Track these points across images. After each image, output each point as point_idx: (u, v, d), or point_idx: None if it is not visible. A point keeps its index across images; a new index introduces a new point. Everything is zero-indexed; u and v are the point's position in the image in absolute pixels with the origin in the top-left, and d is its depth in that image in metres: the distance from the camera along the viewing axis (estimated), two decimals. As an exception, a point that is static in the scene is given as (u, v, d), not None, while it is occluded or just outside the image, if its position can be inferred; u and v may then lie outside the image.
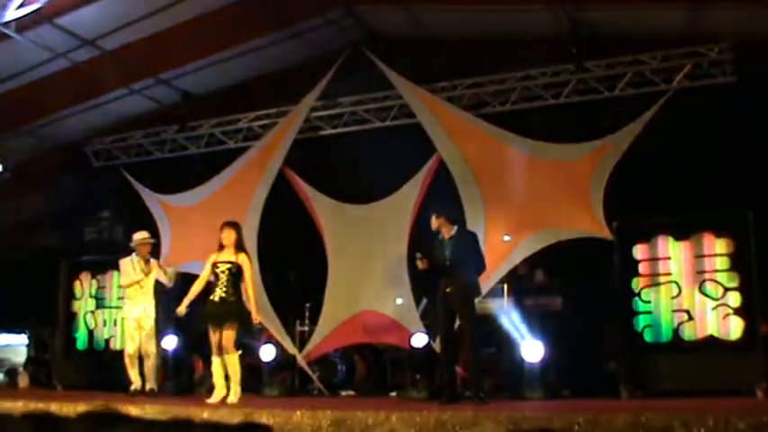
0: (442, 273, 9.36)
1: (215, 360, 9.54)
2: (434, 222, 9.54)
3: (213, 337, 9.53)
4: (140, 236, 11.39)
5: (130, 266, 11.31)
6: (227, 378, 9.52)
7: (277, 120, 13.97)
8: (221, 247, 9.75)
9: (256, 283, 12.34)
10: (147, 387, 10.97)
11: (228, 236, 9.72)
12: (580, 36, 11.91)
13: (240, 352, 9.71)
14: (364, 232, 12.89)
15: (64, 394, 12.15)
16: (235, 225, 9.91)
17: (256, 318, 9.71)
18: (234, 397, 9.28)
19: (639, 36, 11.80)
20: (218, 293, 9.54)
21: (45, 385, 14.27)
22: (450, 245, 9.36)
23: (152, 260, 11.46)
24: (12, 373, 15.66)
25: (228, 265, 9.59)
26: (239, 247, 9.77)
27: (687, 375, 10.07)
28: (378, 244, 12.71)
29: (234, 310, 9.54)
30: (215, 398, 9.37)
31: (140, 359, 11.12)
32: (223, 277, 9.56)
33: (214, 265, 9.67)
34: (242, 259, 9.66)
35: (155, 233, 13.99)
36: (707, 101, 11.36)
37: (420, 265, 9.50)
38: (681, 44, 11.60)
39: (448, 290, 9.26)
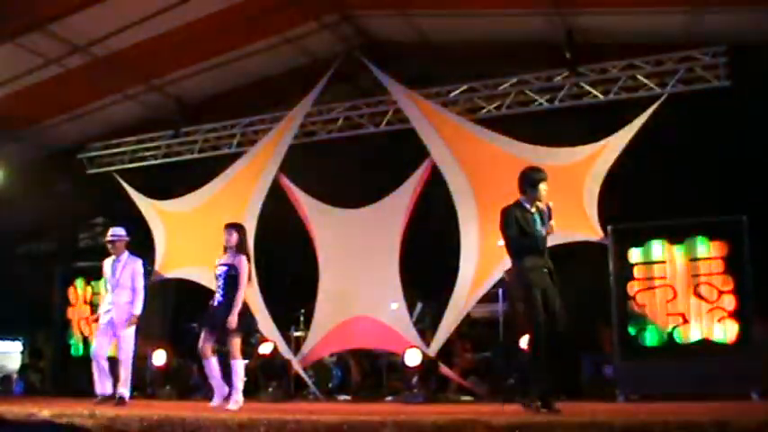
0: (533, 250, 7.95)
1: (206, 363, 9.28)
2: (544, 190, 8.11)
3: (207, 340, 9.22)
4: (109, 233, 10.58)
5: (108, 266, 10.50)
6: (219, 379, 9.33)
7: (272, 125, 13.98)
8: (225, 250, 9.43)
9: (254, 289, 12.30)
10: (118, 393, 10.00)
11: (230, 237, 9.37)
12: (574, 40, 11.94)
13: (247, 360, 9.42)
14: (357, 236, 12.89)
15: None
16: (235, 226, 9.55)
17: (232, 321, 9.25)
18: (235, 404, 8.92)
19: (633, 40, 11.83)
20: (216, 297, 9.24)
21: (40, 392, 14.25)
22: (538, 217, 8.02)
23: (129, 257, 10.46)
24: (6, 380, 15.63)
25: (225, 268, 9.26)
26: (239, 249, 9.37)
27: (682, 378, 10.08)
28: (370, 248, 12.71)
29: (230, 316, 9.06)
30: (217, 399, 9.17)
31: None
32: (220, 281, 9.24)
33: (215, 269, 9.38)
34: (238, 261, 9.24)
35: (149, 239, 14.01)
36: (701, 105, 11.38)
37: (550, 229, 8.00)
38: (675, 48, 11.63)
39: (546, 270, 7.94)
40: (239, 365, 9.16)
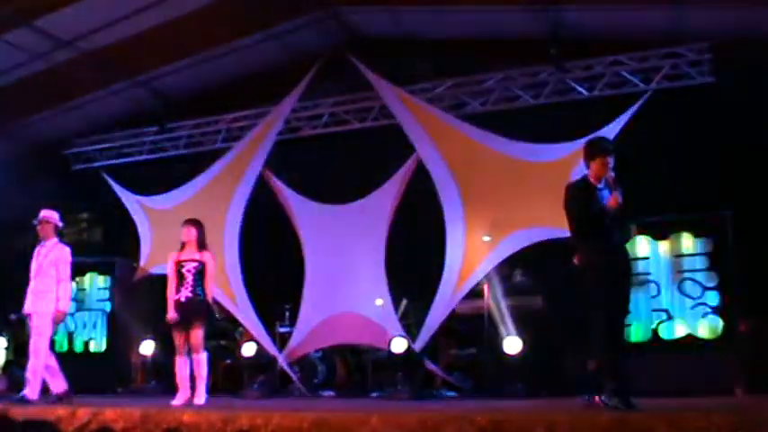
0: (600, 229, 7.18)
1: (179, 360, 9.24)
2: (605, 164, 7.31)
3: (178, 338, 9.23)
4: (41, 214, 9.78)
5: (35, 252, 9.69)
6: (191, 378, 9.27)
7: (257, 121, 13.95)
8: (183, 246, 9.45)
9: (238, 283, 12.29)
10: (22, 393, 9.15)
11: (189, 233, 9.42)
12: (559, 36, 11.95)
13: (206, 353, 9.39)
14: (342, 233, 12.89)
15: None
16: (196, 222, 9.58)
17: (220, 311, 9.58)
18: (201, 398, 8.98)
19: (619, 37, 11.85)
20: (183, 293, 9.21)
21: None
22: (606, 193, 7.25)
23: (57, 244, 9.70)
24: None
25: (194, 264, 9.28)
26: (201, 244, 9.45)
27: (666, 375, 10.11)
28: (355, 244, 12.71)
29: (201, 309, 9.24)
30: (180, 399, 9.05)
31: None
32: (189, 276, 9.23)
33: (178, 264, 9.33)
34: (207, 257, 9.37)
35: (135, 235, 13.98)
36: (685, 101, 11.41)
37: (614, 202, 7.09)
38: (659, 45, 11.65)
39: (609, 251, 7.18)
40: (204, 358, 9.20)
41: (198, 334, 9.14)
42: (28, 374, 9.24)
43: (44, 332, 9.29)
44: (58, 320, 9.48)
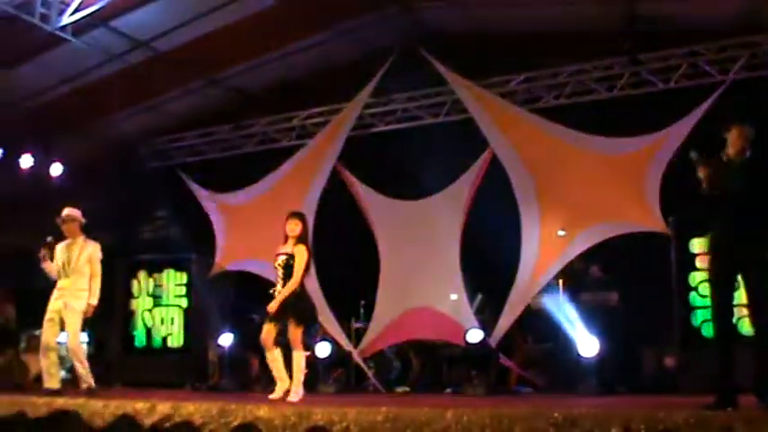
0: (725, 209, 6.52)
1: (268, 355, 8.97)
2: (742, 134, 6.60)
3: (268, 330, 8.90)
4: (64, 212, 9.69)
5: (62, 249, 9.61)
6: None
7: (330, 117, 14.03)
8: (286, 239, 9.11)
9: (312, 278, 12.27)
10: (84, 386, 9.34)
11: (295, 227, 9.04)
12: (633, 28, 11.79)
13: (308, 352, 9.12)
14: (417, 228, 12.90)
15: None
16: (299, 215, 9.24)
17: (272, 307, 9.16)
18: (295, 396, 8.66)
19: (694, 27, 11.64)
20: (278, 288, 8.93)
21: (104, 383, 14.45)
22: (740, 169, 6.48)
23: (86, 240, 9.67)
24: (73, 371, 15.87)
25: (284, 257, 8.94)
26: (300, 238, 9.05)
27: (746, 371, 9.91)
28: (430, 240, 12.72)
29: (295, 307, 8.85)
30: (278, 392, 8.85)
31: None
32: (279, 270, 8.95)
33: (275, 258, 9.05)
34: (297, 250, 8.91)
35: (210, 231, 14.14)
36: (764, 91, 11.18)
37: (702, 173, 6.56)
38: (737, 34, 11.43)
39: (737, 236, 6.40)
40: (300, 357, 8.94)
41: (295, 332, 8.83)
42: (79, 370, 9.42)
43: (77, 329, 9.42)
44: (87, 314, 9.47)
